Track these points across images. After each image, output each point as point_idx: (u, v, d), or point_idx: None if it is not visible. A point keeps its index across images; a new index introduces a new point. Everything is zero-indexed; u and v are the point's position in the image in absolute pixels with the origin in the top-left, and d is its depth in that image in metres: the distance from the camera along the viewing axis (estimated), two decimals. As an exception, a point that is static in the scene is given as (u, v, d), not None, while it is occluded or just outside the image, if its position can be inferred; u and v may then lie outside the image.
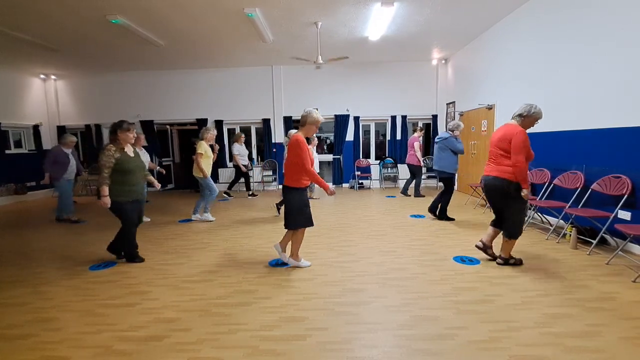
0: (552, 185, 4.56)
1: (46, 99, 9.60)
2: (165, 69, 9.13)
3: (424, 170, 9.15)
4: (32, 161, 8.84)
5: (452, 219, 5.20)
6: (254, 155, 9.69)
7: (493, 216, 3.51)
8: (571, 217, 4.02)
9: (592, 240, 3.70)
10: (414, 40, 7.11)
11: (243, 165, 7.65)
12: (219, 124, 9.29)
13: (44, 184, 5.48)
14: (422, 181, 8.94)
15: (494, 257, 3.44)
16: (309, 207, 3.28)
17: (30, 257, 4.01)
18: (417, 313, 2.46)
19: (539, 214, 4.84)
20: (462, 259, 3.51)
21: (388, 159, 9.20)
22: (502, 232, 3.34)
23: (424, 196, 7.41)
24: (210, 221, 5.52)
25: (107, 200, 3.34)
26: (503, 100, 6.08)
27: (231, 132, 9.64)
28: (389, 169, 9.18)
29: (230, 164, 9.34)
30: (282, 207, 5.76)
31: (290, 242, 3.45)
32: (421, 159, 7.36)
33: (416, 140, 7.29)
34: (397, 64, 8.96)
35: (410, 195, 7.58)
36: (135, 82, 9.34)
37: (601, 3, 3.96)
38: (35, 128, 9.16)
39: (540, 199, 4.66)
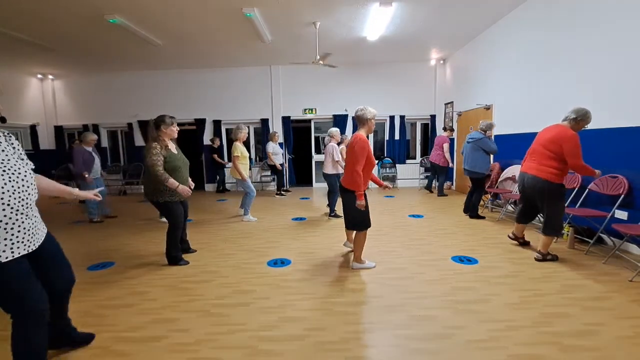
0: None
1: (43, 98, 9.56)
2: (163, 69, 9.11)
3: (420, 169, 9.20)
4: (32, 160, 8.79)
5: (483, 217, 5.28)
6: (252, 155, 9.68)
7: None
8: (568, 217, 4.04)
9: (589, 240, 3.72)
10: (413, 41, 7.12)
11: (279, 164, 7.70)
12: (217, 124, 9.28)
13: (88, 183, 5.28)
14: (420, 181, 8.98)
15: (524, 243, 3.79)
16: (368, 209, 3.24)
17: (28, 257, 3.99)
18: (416, 313, 2.47)
19: (537, 213, 4.86)
20: (460, 259, 3.52)
21: (386, 159, 9.22)
22: (541, 229, 3.47)
23: (446, 195, 7.45)
24: (253, 221, 5.42)
25: (184, 187, 3.27)
26: (501, 100, 6.10)
27: (229, 132, 9.62)
28: (388, 168, 9.20)
29: (229, 164, 9.35)
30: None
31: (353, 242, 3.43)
32: (450, 160, 7.28)
33: (446, 142, 7.22)
34: (395, 64, 8.97)
35: (447, 195, 7.52)
36: (133, 82, 9.32)
37: (598, 3, 3.98)
38: (33, 128, 9.13)
39: (538, 198, 4.67)
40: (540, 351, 1.99)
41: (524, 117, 5.37)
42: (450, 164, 7.43)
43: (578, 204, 4.06)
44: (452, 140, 7.79)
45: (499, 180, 5.71)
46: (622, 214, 3.65)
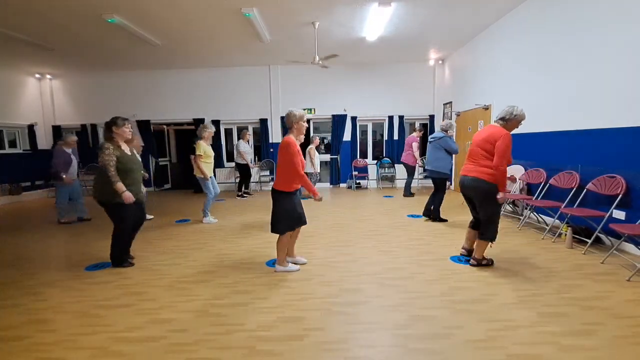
0: (547, 185, 4.59)
1: (41, 98, 9.52)
2: (162, 69, 9.10)
3: (420, 170, 9.22)
4: (27, 161, 8.78)
5: (445, 220, 5.17)
6: (252, 156, 9.66)
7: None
8: (567, 217, 4.05)
9: (587, 240, 3.72)
10: (411, 41, 7.13)
11: (247, 162, 7.76)
12: (216, 123, 9.26)
13: (66, 183, 5.41)
14: (419, 181, 9.01)
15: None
16: (298, 208, 3.23)
17: (25, 258, 3.98)
18: (414, 312, 2.47)
19: (535, 213, 4.87)
20: (459, 259, 3.52)
21: (385, 159, 9.23)
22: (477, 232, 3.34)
23: (413, 195, 7.54)
24: (213, 223, 5.44)
25: (129, 194, 3.26)
26: (499, 100, 6.10)
27: (228, 132, 9.62)
28: (386, 169, 9.21)
29: (228, 164, 9.35)
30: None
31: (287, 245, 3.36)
32: (419, 159, 7.40)
33: (414, 140, 7.33)
34: (394, 64, 8.98)
35: (414, 195, 7.61)
36: (132, 82, 9.30)
37: (595, 4, 3.99)
38: (30, 128, 9.09)
39: (536, 198, 4.69)
40: (539, 351, 1.99)
41: (522, 117, 5.38)
42: (419, 163, 7.50)
43: (576, 204, 4.06)
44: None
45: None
46: (619, 214, 3.66)
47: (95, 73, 9.26)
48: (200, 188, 5.61)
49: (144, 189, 3.69)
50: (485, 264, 3.34)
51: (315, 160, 7.46)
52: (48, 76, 9.37)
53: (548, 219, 4.64)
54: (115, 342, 2.20)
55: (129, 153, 3.44)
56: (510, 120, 3.12)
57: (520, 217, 4.96)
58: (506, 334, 2.17)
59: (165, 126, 10.02)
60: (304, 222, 3.31)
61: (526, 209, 5.00)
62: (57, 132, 9.50)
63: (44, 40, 6.43)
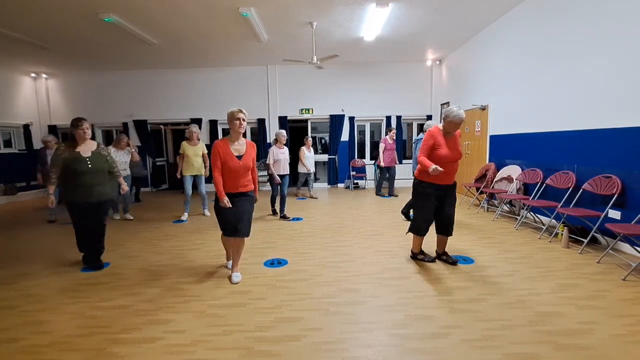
0: (544, 185, 4.62)
1: (37, 97, 9.45)
2: (159, 68, 9.05)
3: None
4: (22, 161, 8.71)
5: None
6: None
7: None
8: (563, 217, 4.07)
9: (583, 240, 3.75)
10: (409, 41, 7.14)
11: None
12: (213, 123, 9.25)
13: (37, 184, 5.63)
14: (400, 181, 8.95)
15: (451, 261, 3.42)
16: (224, 215, 3.03)
17: (20, 258, 3.95)
18: (412, 312, 2.48)
19: (532, 213, 4.89)
20: (456, 259, 3.53)
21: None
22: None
23: (384, 195, 7.71)
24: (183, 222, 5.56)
25: (51, 199, 3.40)
26: (496, 101, 6.13)
27: (226, 132, 9.59)
28: (378, 170, 9.19)
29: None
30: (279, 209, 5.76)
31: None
32: (382, 160, 7.45)
33: (382, 142, 7.55)
34: (392, 65, 8.99)
35: (390, 195, 7.72)
36: (129, 81, 9.24)
37: (592, 6, 4.02)
38: (26, 127, 9.02)
39: (533, 198, 4.71)
40: (535, 350, 2.00)
41: (519, 118, 5.41)
42: (384, 163, 7.50)
43: (572, 204, 4.09)
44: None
45: (494, 180, 5.74)
46: (615, 214, 3.69)
47: (92, 72, 9.19)
48: (195, 188, 5.72)
49: (124, 190, 3.90)
50: (421, 258, 3.49)
51: (305, 160, 7.47)
52: (44, 75, 9.30)
53: (545, 219, 4.67)
54: (112, 343, 2.19)
55: (87, 154, 3.35)
56: (446, 119, 3.19)
57: (517, 217, 4.99)
58: (503, 333, 2.18)
59: (162, 126, 9.97)
60: (232, 233, 3.06)
61: (523, 209, 5.03)
62: (53, 131, 9.43)
63: (40, 39, 6.38)
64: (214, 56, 8.04)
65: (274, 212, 5.86)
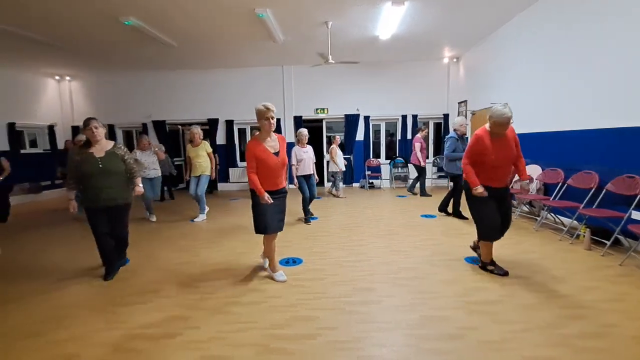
0: (565, 185, 4.49)
1: (60, 99, 9.79)
2: (177, 70, 9.23)
3: (433, 169, 9.13)
4: (47, 161, 9.04)
5: (466, 218, 5.15)
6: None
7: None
8: (585, 218, 3.95)
9: (606, 241, 3.62)
10: (425, 39, 7.05)
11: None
12: (229, 124, 9.37)
13: None
14: (432, 180, 8.91)
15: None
16: (269, 213, 2.97)
17: (44, 255, 4.11)
18: (428, 313, 2.46)
19: (552, 214, 4.76)
20: (474, 260, 3.47)
21: (398, 158, 9.15)
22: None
23: (430, 195, 7.46)
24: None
25: (71, 205, 3.25)
26: (516, 99, 5.97)
27: (242, 131, 9.71)
28: (400, 168, 9.13)
29: (241, 164, 9.45)
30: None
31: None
32: (421, 159, 7.35)
33: (417, 141, 7.40)
34: (407, 63, 8.90)
35: (417, 194, 7.65)
36: (148, 83, 9.46)
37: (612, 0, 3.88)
38: (50, 128, 9.35)
39: (554, 199, 4.59)
40: (555, 353, 1.96)
41: (539, 116, 5.27)
42: (423, 163, 7.41)
43: (595, 205, 3.96)
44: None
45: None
46: (638, 215, 3.55)
47: (112, 74, 9.45)
48: (212, 188, 5.74)
49: (137, 192, 3.40)
50: (490, 270, 3.16)
51: (337, 159, 7.49)
52: (67, 78, 9.62)
53: (566, 220, 4.54)
54: (130, 339, 2.26)
55: (99, 155, 3.15)
56: (490, 120, 2.96)
57: (537, 218, 4.86)
58: (521, 335, 2.14)
59: (180, 126, 10.16)
60: (268, 231, 3.01)
61: (543, 209, 4.90)
62: (76, 132, 9.73)
63: (63, 43, 6.60)
64: (230, 57, 8.14)
65: (307, 220, 5.36)
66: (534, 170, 5.25)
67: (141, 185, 3.47)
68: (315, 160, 5.58)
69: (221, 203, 7.32)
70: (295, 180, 5.28)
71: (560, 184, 4.58)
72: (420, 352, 2.02)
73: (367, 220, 5.34)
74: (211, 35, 6.49)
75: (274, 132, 3.06)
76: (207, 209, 5.85)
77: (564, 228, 4.31)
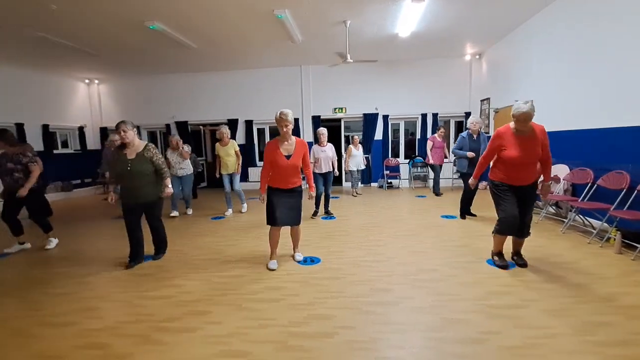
0: (595, 185, 4.30)
1: (90, 101, 10.23)
2: (198, 71, 9.46)
3: (453, 169, 8.93)
4: (77, 160, 9.48)
5: (474, 215, 5.22)
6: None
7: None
8: (616, 220, 3.77)
9: (637, 245, 3.44)
10: (446, 36, 6.92)
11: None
12: (249, 124, 9.50)
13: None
14: (454, 181, 8.72)
15: (520, 263, 3.30)
16: (279, 208, 3.32)
17: (76, 249, 4.31)
18: (448, 315, 2.41)
19: (581, 216, 4.57)
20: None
21: (418, 157, 9.01)
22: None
23: (441, 194, 7.47)
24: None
25: (110, 196, 3.60)
26: (541, 96, 5.77)
27: (260, 131, 9.83)
28: (419, 168, 9.01)
29: (261, 163, 9.56)
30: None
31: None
32: (430, 157, 7.53)
33: (430, 139, 7.62)
34: (427, 61, 8.76)
35: (441, 194, 7.54)
36: (171, 84, 9.74)
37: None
38: (81, 129, 9.79)
39: (582, 200, 4.40)
40: (582, 361, 1.89)
41: (566, 114, 5.07)
42: (431, 161, 7.59)
43: (626, 206, 3.77)
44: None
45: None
46: (677, 218, 3.36)
47: (137, 76, 9.79)
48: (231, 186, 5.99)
49: (166, 194, 3.63)
50: (494, 260, 3.33)
51: (350, 158, 7.55)
52: (96, 81, 10.05)
53: (595, 222, 4.35)
54: (157, 331, 2.34)
55: (130, 157, 3.39)
56: (513, 117, 2.99)
57: (564, 220, 4.67)
58: (546, 341, 2.07)
59: (201, 126, 10.40)
60: (275, 223, 3.35)
61: (571, 211, 4.71)
62: (104, 133, 10.15)
63: (92, 48, 6.91)
64: (249, 58, 8.26)
65: (315, 214, 5.67)
66: (561, 170, 5.06)
67: (170, 186, 3.69)
68: (336, 158, 5.70)
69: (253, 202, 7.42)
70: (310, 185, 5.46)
71: (589, 184, 4.40)
72: (439, 355, 1.99)
73: (386, 220, 5.30)
74: (231, 37, 6.61)
75: (296, 136, 3.34)
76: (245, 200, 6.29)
77: (593, 230, 4.13)
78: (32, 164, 4.09)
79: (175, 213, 5.99)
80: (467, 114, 8.77)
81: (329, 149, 5.58)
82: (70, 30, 5.86)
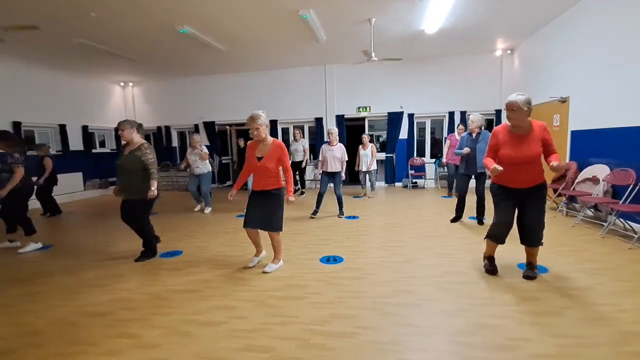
0: (637, 187, 4.02)
1: (124, 103, 10.75)
2: (224, 73, 9.71)
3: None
4: (113, 159, 9.95)
5: (458, 219, 5.04)
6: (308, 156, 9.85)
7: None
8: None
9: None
10: (475, 31, 6.69)
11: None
12: (273, 123, 9.62)
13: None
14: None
15: (525, 275, 3.03)
16: (248, 208, 3.36)
17: (111, 243, 4.53)
18: (475, 320, 2.33)
19: (621, 219, 4.29)
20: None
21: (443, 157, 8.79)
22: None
23: (451, 197, 7.18)
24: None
25: (115, 189, 3.80)
26: (578, 92, 5.47)
27: (285, 131, 9.93)
28: (445, 167, 8.77)
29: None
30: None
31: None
32: (444, 157, 7.51)
33: (449, 137, 7.47)
34: (455, 57, 8.51)
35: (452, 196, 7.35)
36: (199, 86, 10.05)
37: None
38: (116, 130, 10.28)
39: (623, 202, 4.13)
40: (621, 373, 1.77)
41: (606, 111, 4.77)
42: (445, 161, 7.48)
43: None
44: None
45: (576, 181, 5.15)
46: None
47: (168, 79, 10.18)
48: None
49: (150, 195, 3.61)
50: (484, 264, 3.20)
51: (359, 159, 7.37)
52: (130, 84, 10.54)
53: (637, 226, 4.07)
54: (184, 323, 2.42)
55: (125, 154, 3.65)
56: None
57: (603, 224, 4.40)
58: (581, 351, 1.96)
59: (227, 126, 10.64)
60: (244, 225, 3.32)
61: (611, 214, 4.43)
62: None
63: (127, 52, 7.27)
64: (274, 59, 8.37)
65: (314, 213, 5.60)
66: (600, 171, 4.77)
67: (154, 188, 3.61)
68: (345, 159, 5.60)
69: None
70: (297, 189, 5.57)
71: (631, 185, 4.12)
72: (464, 360, 1.93)
73: (409, 221, 5.20)
74: (256, 39, 6.73)
75: (275, 138, 3.37)
76: None
77: (634, 235, 3.86)
78: (16, 166, 4.13)
79: (197, 208, 6.41)
80: (498, 112, 8.46)
81: (338, 149, 5.50)
82: (107, 36, 6.19)
